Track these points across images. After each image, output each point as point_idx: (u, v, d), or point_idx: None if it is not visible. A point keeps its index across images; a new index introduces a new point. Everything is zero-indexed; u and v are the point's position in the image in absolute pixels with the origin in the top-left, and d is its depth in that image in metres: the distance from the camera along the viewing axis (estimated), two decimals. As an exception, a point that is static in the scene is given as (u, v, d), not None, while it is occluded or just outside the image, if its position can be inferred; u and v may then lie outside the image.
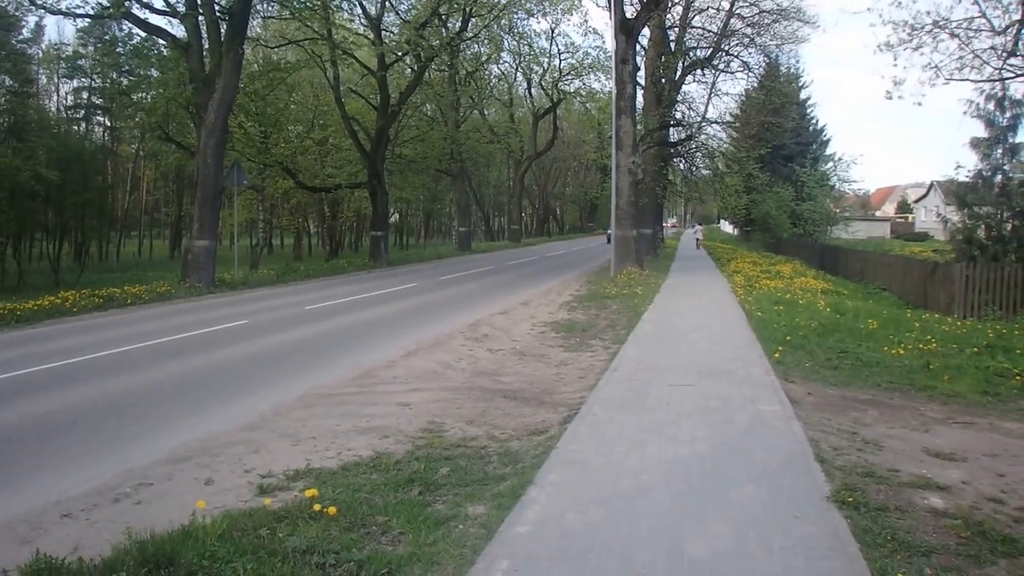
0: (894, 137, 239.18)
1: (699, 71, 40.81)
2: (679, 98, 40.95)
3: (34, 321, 18.85)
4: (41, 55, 57.67)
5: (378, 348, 14.29)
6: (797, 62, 68.08)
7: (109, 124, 58.72)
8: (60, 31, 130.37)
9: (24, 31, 50.19)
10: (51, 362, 13.16)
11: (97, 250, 51.38)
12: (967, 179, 22.69)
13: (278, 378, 11.82)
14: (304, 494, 5.92)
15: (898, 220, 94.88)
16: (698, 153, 43.42)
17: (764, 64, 42.28)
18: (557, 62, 61.97)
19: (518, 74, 64.53)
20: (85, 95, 59.68)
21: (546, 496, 5.99)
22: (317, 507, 5.57)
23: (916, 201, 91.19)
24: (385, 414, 9.22)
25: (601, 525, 5.41)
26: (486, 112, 66.46)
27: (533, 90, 68.29)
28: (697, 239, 65.34)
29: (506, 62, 61.06)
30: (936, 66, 24.66)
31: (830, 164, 57.31)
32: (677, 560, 4.83)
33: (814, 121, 66.22)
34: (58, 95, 63.77)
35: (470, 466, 6.96)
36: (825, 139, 66.70)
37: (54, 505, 6.49)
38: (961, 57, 23.88)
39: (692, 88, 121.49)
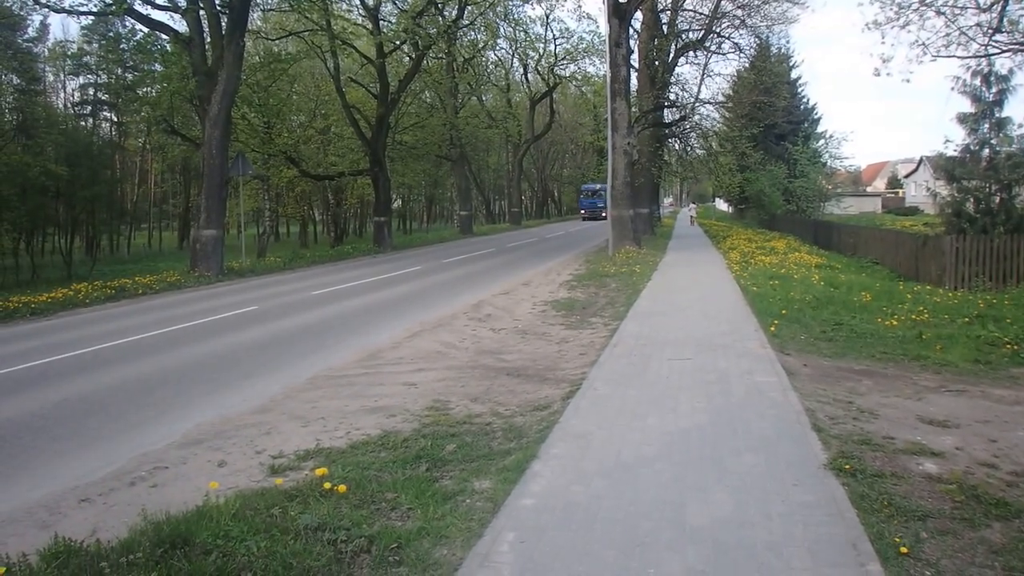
0: (884, 114, 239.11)
1: (691, 53, 40.72)
2: (672, 80, 40.89)
3: (48, 313, 18.98)
4: (47, 53, 57.67)
5: (383, 330, 14.44)
6: (787, 42, 67.77)
7: (116, 119, 59.01)
8: (65, 29, 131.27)
9: (29, 30, 50.30)
10: (65, 352, 13.31)
11: (108, 243, 51.50)
12: (955, 154, 22.72)
13: (287, 361, 11.96)
14: (315, 473, 6.04)
15: (889, 195, 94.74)
16: (692, 133, 43.34)
17: (755, 45, 42.12)
18: (552, 47, 61.92)
19: (514, 60, 64.57)
20: (91, 91, 60.05)
21: (550, 469, 6.13)
22: (327, 485, 5.68)
23: (906, 176, 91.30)
24: (392, 394, 9.35)
25: (604, 496, 5.55)
26: (484, 98, 66.48)
27: (529, 75, 68.20)
28: (691, 216, 73.19)
29: (502, 48, 61.00)
30: (923, 43, 24.73)
31: (821, 142, 57.61)
32: (679, 528, 4.97)
33: (805, 100, 66.39)
34: (65, 92, 64.09)
35: (476, 442, 7.09)
36: (816, 117, 66.88)
37: (72, 490, 6.61)
38: (948, 34, 23.95)
39: (685, 70, 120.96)
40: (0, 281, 32.78)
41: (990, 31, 23.12)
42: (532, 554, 4.68)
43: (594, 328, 13.66)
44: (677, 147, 46.29)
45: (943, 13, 23.67)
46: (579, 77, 62.85)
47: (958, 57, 23.87)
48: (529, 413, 8.12)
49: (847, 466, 5.95)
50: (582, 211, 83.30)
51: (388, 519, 5.35)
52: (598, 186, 72.20)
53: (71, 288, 22.28)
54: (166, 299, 21.40)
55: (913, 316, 13.55)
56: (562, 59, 61.82)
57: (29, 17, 43.19)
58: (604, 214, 49.74)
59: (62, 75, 61.92)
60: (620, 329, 12.97)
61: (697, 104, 40.33)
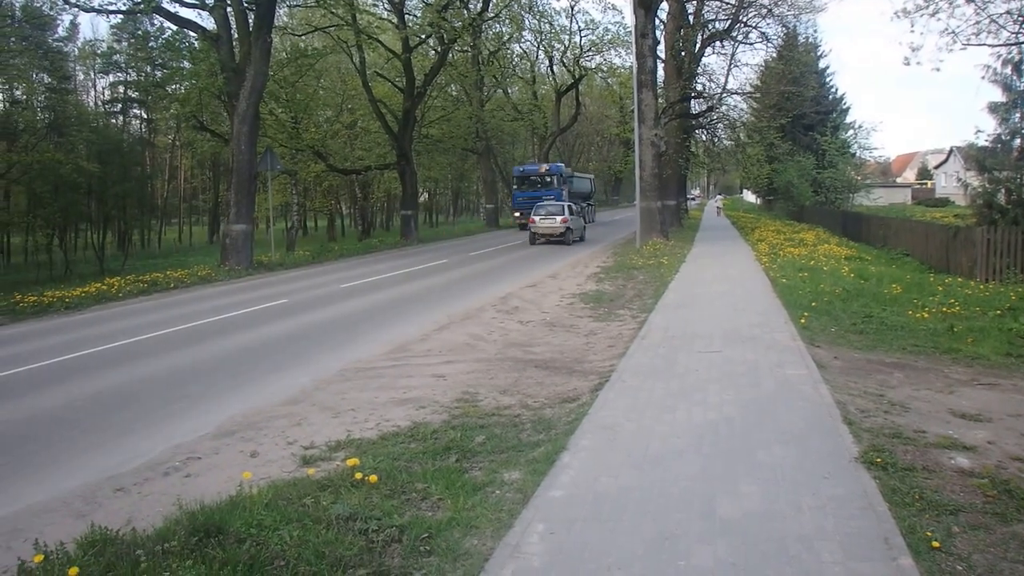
0: (913, 103, 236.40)
1: (718, 43, 40.37)
2: (699, 70, 40.61)
3: (82, 307, 19.20)
4: (77, 52, 58.71)
5: (411, 323, 14.52)
6: (815, 31, 67.44)
7: (145, 116, 59.81)
8: (94, 28, 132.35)
9: (60, 29, 50.84)
10: (99, 345, 13.48)
11: (139, 238, 52.25)
12: (986, 144, 22.50)
13: (317, 354, 12.06)
14: (346, 464, 6.10)
15: (919, 186, 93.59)
16: (719, 124, 43.16)
17: (782, 34, 41.76)
18: (578, 39, 61.39)
19: (540, 52, 63.95)
20: (121, 89, 60.56)
21: (579, 461, 6.15)
22: (359, 476, 5.74)
23: (936, 167, 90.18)
24: (421, 386, 9.40)
25: (634, 488, 5.56)
26: (509, 91, 66.15)
27: (555, 67, 67.71)
28: (718, 207, 69.40)
29: (527, 41, 60.56)
30: (953, 31, 24.66)
31: (850, 132, 56.77)
32: (709, 520, 4.97)
33: (833, 90, 65.74)
34: (95, 90, 64.92)
35: (505, 434, 7.12)
36: (845, 107, 66.07)
37: (107, 480, 6.71)
38: (978, 22, 23.73)
39: (712, 60, 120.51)
40: (34, 276, 33.26)
41: (1020, 19, 22.92)
42: (562, 545, 4.70)
43: (622, 320, 13.65)
44: (704, 138, 46.07)
45: (973, 1, 23.46)
46: (605, 69, 62.30)
47: (988, 45, 23.68)
48: (558, 405, 8.14)
49: (878, 459, 5.92)
50: (516, 213, 50.18)
51: (418, 509, 5.38)
52: (543, 168, 50.33)
53: (104, 282, 22.52)
54: (197, 293, 21.58)
55: (944, 309, 13.42)
56: (587, 51, 61.29)
57: (59, 17, 43.50)
58: (562, 220, 34.19)
59: (92, 74, 63.02)
60: (648, 321, 12.95)
61: (724, 94, 40.11)
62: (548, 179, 48.57)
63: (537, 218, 35.28)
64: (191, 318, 16.11)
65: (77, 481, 6.76)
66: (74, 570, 4.20)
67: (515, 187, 51.36)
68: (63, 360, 12.38)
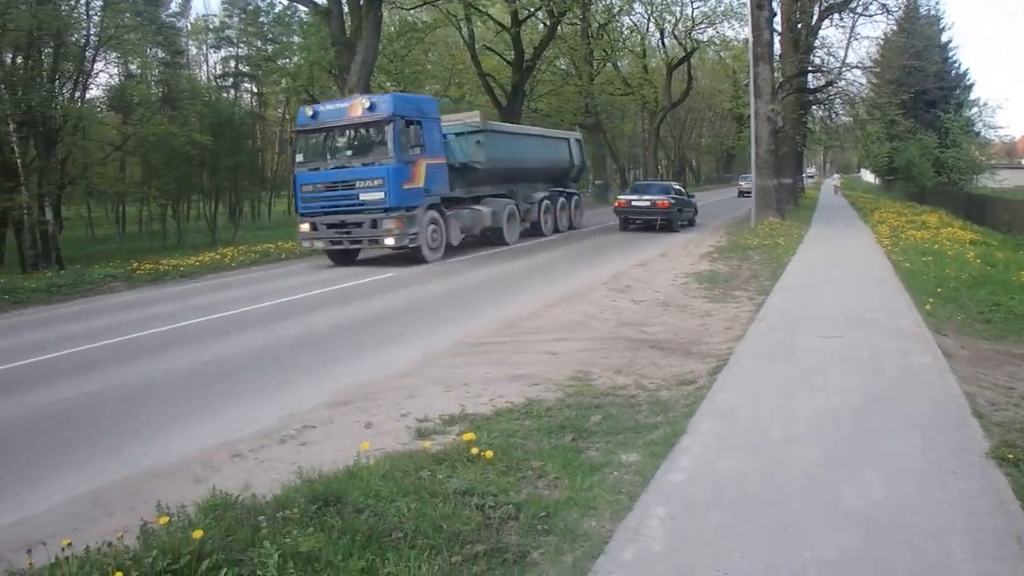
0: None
1: (836, 15, 39.08)
2: (816, 43, 39.40)
3: (196, 276, 19.93)
4: (189, 27, 60.36)
5: (520, 299, 14.54)
6: (937, 2, 64.66)
7: (256, 90, 61.16)
8: (206, 3, 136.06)
9: (172, 5, 52.73)
10: (214, 313, 13.97)
11: (250, 209, 53.55)
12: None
13: (427, 328, 12.21)
14: (461, 438, 6.11)
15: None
16: (837, 99, 41.87)
17: (903, 6, 40.26)
18: (690, 10, 59.99)
19: (650, 24, 62.86)
20: (232, 63, 62.24)
21: (699, 445, 6.05)
22: (475, 451, 5.75)
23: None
24: (533, 362, 9.37)
25: (755, 473, 5.45)
26: (619, 64, 65.36)
27: (666, 40, 66.36)
28: (835, 186, 67.32)
29: (638, 13, 59.51)
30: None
31: (975, 110, 54.67)
32: (833, 509, 4.84)
33: (956, 64, 63.18)
34: (207, 64, 66.90)
35: (621, 414, 7.02)
36: (968, 83, 63.57)
37: (224, 445, 6.89)
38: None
39: (830, 32, 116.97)
40: (148, 245, 34.55)
41: None
42: (683, 530, 4.64)
43: (738, 302, 13.39)
44: (821, 114, 44.84)
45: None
46: (718, 42, 60.80)
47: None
48: (675, 387, 8.01)
49: (1010, 455, 5.63)
50: (302, 227, 21.78)
51: (535, 487, 5.36)
52: (359, 107, 20.66)
53: (217, 252, 23.26)
54: (307, 264, 22.11)
55: (1077, 298, 12.80)
56: (700, 23, 59.92)
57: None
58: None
59: (204, 48, 64.92)
60: (766, 303, 12.69)
61: (843, 68, 38.87)
62: (370, 133, 20.98)
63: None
64: (302, 289, 16.68)
65: (193, 445, 6.97)
66: (199, 532, 4.29)
67: (298, 157, 22.33)
68: (177, 327, 12.93)
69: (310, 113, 21.48)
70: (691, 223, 32.89)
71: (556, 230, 29.31)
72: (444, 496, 5.02)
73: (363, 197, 20.14)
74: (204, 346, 11.38)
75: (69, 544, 4.38)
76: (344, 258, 22.08)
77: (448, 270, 19.59)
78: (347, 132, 21.18)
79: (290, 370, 9.72)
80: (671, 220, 29.44)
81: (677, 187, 33.21)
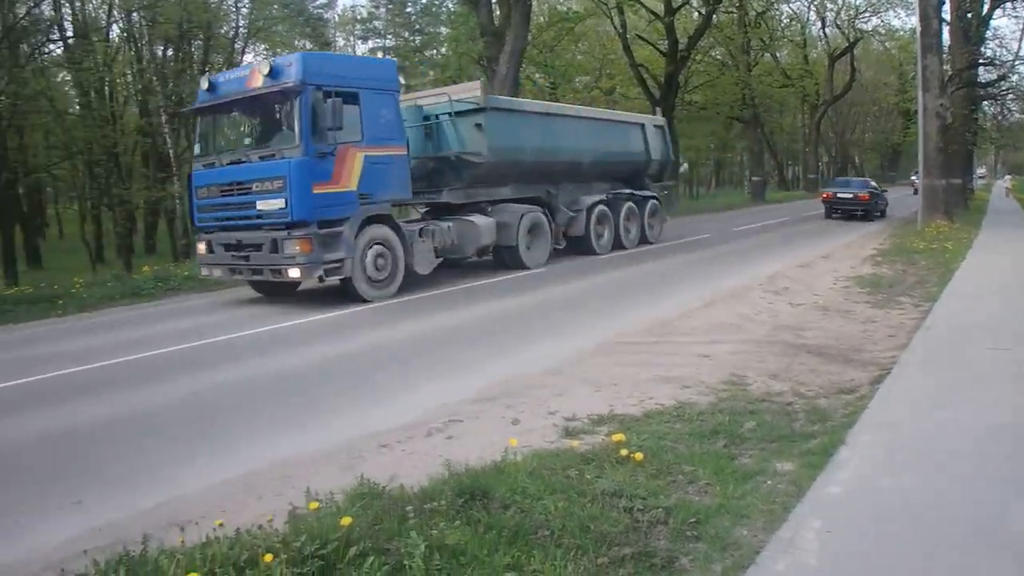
0: None
1: (1009, 3, 36.92)
2: (988, 34, 37.31)
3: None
4: (337, 19, 61.93)
5: (673, 298, 14.28)
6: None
7: (403, 81, 62.10)
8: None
9: (320, -2, 53.91)
10: (357, 306, 14.48)
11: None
12: None
13: (574, 325, 12.13)
14: (610, 439, 6.02)
15: None
16: (1010, 95, 39.64)
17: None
18: (853, -2, 58.07)
19: (811, 13, 60.77)
20: (380, 54, 63.50)
21: (859, 458, 5.76)
22: (624, 452, 5.65)
23: None
24: (685, 364, 9.17)
25: (917, 491, 5.14)
26: (778, 55, 63.44)
27: (827, 29, 64.06)
28: (1007, 188, 64.88)
29: (798, 0, 57.96)
30: None
31: None
32: (999, 535, 4.52)
33: None
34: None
35: (776, 421, 6.79)
36: None
37: (371, 436, 6.99)
38: None
39: (1002, 23, 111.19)
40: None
41: None
42: (840, 545, 4.42)
43: (903, 308, 12.76)
44: (992, 111, 42.54)
45: None
46: (882, 32, 58.58)
47: None
48: (833, 396, 7.68)
49: None
50: (199, 246, 16.18)
51: (685, 492, 5.23)
52: (257, 77, 14.18)
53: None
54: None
55: None
56: (863, 11, 57.53)
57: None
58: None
59: (352, 39, 66.01)
60: (933, 311, 12.01)
61: (1017, 62, 36.72)
62: (274, 111, 14.78)
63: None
64: (445, 284, 16.87)
65: (340, 435, 7.10)
66: (347, 519, 4.37)
67: (195, 148, 16.43)
68: (315, 320, 13.42)
69: (205, 86, 15.16)
70: (883, 214, 36.55)
71: (618, 246, 22.52)
72: (592, 496, 4.95)
73: (260, 206, 14.02)
74: (347, 339, 11.81)
75: (220, 525, 4.54)
76: (275, 289, 15.93)
77: (602, 264, 19.46)
78: (250, 111, 15.22)
79: (438, 363, 9.99)
80: (869, 211, 34.49)
81: (872, 184, 38.34)
